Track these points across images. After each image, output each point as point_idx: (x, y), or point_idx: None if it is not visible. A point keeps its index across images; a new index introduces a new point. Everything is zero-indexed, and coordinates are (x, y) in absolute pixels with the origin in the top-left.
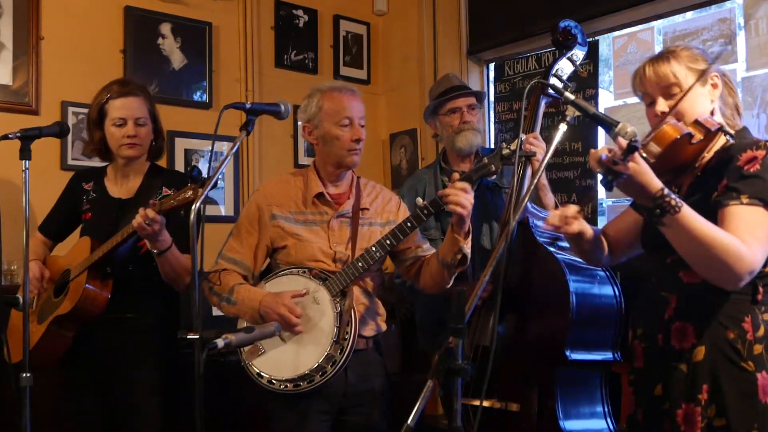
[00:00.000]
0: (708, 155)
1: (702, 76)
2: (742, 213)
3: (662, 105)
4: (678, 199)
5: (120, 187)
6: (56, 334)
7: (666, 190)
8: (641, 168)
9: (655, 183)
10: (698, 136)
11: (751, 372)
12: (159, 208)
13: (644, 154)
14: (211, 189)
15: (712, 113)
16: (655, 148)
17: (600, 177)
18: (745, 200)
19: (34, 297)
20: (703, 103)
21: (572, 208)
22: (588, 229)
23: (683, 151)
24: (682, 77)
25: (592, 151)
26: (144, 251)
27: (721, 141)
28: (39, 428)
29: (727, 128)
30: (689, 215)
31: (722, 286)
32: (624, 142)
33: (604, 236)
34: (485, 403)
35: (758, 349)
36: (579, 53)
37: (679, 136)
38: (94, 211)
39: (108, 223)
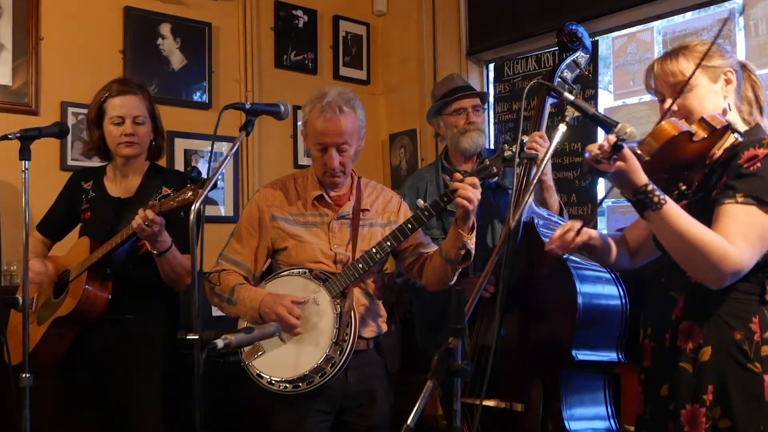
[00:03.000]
0: (718, 152)
1: (700, 65)
2: (735, 212)
3: (669, 102)
4: (663, 197)
5: (119, 186)
6: (56, 336)
7: (651, 186)
8: (629, 166)
9: (641, 179)
10: (701, 134)
11: (757, 374)
12: (158, 210)
13: (639, 151)
14: (210, 190)
15: (725, 111)
16: (651, 145)
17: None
18: (740, 198)
19: (33, 297)
20: (713, 100)
21: (571, 231)
22: (595, 236)
23: (683, 148)
24: (689, 74)
25: (587, 147)
26: (143, 251)
27: (731, 139)
28: (39, 429)
29: (737, 126)
30: (672, 212)
31: (706, 285)
32: (612, 140)
33: (625, 240)
34: (490, 403)
35: (766, 350)
36: (583, 56)
37: (676, 134)
38: (93, 211)
39: (107, 222)
